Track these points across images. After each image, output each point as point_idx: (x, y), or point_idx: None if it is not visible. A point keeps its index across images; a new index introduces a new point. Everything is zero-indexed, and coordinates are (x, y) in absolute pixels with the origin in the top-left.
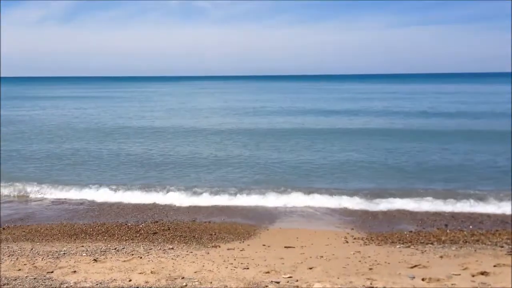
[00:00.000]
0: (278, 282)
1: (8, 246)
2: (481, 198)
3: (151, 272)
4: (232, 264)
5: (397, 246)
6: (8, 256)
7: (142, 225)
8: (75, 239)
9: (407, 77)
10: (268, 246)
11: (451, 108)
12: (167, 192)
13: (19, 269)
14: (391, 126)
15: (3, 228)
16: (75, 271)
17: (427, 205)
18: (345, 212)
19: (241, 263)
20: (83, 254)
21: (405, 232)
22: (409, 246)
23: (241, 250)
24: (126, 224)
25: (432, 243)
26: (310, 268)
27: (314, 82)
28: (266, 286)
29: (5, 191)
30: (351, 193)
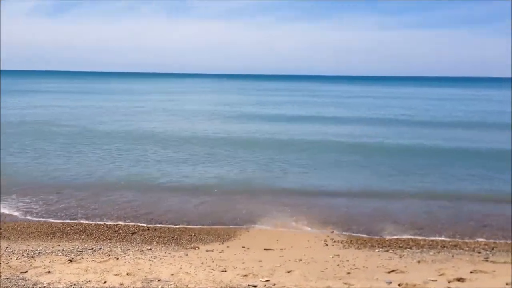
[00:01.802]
0: (255, 286)
1: None
2: (460, 200)
3: (127, 274)
4: (210, 266)
5: (376, 250)
6: None
7: (121, 225)
8: (51, 238)
9: (396, 80)
10: (248, 248)
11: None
12: (148, 190)
13: None
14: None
15: None
16: (49, 272)
17: (408, 208)
18: (326, 214)
19: (219, 266)
20: (59, 254)
21: (385, 236)
22: (387, 251)
23: (220, 252)
24: (104, 224)
25: (410, 248)
26: (288, 272)
27: (302, 83)
28: None
29: None
30: (333, 195)
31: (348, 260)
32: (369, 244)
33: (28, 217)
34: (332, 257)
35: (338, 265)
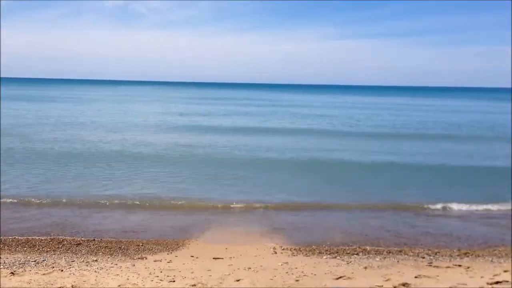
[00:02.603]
0: None
1: None
2: (400, 209)
3: (72, 286)
4: (158, 277)
5: (324, 257)
6: None
7: (65, 236)
8: None
9: (344, 88)
10: (197, 258)
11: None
12: (90, 205)
13: None
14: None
15: None
16: None
17: (357, 216)
18: (275, 222)
19: (168, 276)
20: (0, 267)
21: (333, 243)
22: (335, 257)
23: (168, 262)
24: (48, 234)
25: (357, 254)
26: (238, 280)
27: (252, 90)
28: None
29: None
30: (282, 204)
31: (296, 268)
32: (317, 251)
33: None
34: (281, 265)
35: (286, 272)
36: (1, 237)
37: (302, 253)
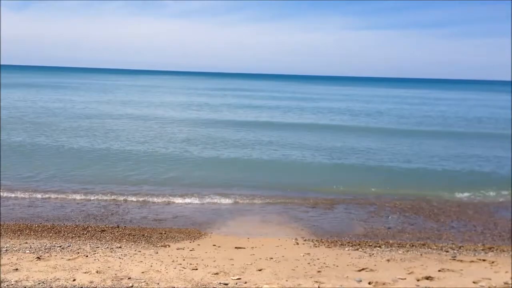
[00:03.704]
0: (226, 284)
1: None
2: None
3: (97, 272)
4: (181, 264)
5: (346, 249)
6: None
7: (90, 222)
8: (19, 235)
9: (359, 80)
10: (219, 247)
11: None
12: (118, 188)
13: None
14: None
15: None
16: (17, 269)
17: (379, 209)
18: (297, 212)
19: (190, 264)
20: (27, 251)
21: (355, 235)
22: (357, 249)
23: (190, 250)
24: (73, 221)
25: (380, 246)
26: (259, 270)
27: (269, 81)
28: (214, 287)
29: None
30: (304, 197)
31: (318, 259)
32: (339, 243)
33: None
34: (303, 256)
35: (308, 263)
36: (29, 223)
37: (324, 244)
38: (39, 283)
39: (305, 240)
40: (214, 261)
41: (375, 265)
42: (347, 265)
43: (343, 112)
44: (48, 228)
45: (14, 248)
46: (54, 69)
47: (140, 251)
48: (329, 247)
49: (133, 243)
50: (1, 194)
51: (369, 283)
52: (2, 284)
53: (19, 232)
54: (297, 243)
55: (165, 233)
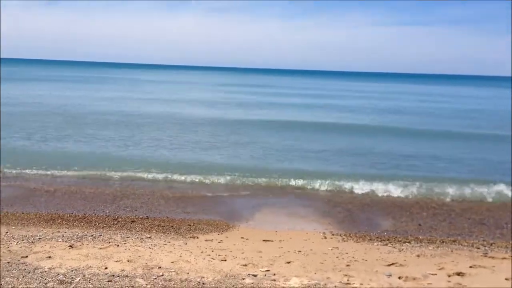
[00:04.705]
0: (255, 275)
1: None
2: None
3: (128, 261)
4: (209, 255)
5: (375, 244)
6: None
7: (121, 213)
8: (51, 224)
9: (388, 76)
10: (246, 239)
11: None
12: (148, 178)
13: None
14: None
15: None
16: (50, 257)
17: (409, 205)
18: (324, 206)
19: (219, 255)
20: (59, 240)
21: (384, 230)
22: (386, 244)
23: (219, 242)
24: (104, 212)
25: (409, 242)
26: (288, 262)
27: (298, 77)
28: (243, 278)
29: None
30: (332, 190)
31: (347, 253)
32: (368, 238)
33: (27, 203)
34: (331, 249)
35: (337, 257)
36: (60, 213)
37: (352, 239)
38: (72, 271)
39: (333, 235)
40: (243, 253)
41: (404, 260)
42: (376, 259)
43: (392, 111)
44: (79, 218)
45: (47, 237)
46: (84, 64)
47: (169, 242)
48: (358, 242)
49: (162, 234)
50: (34, 184)
51: (399, 278)
52: (36, 271)
53: (51, 221)
54: (325, 237)
55: (193, 225)
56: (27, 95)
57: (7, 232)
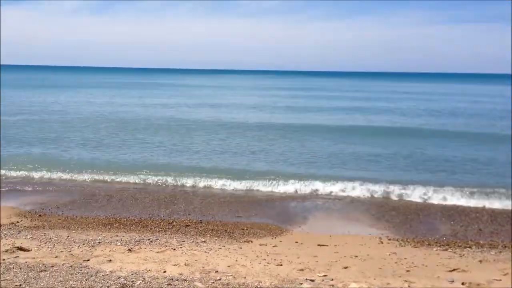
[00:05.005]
0: (313, 280)
1: (45, 233)
2: None
3: (185, 264)
4: (265, 260)
5: (434, 249)
6: (45, 243)
7: (175, 217)
8: (109, 229)
9: (437, 76)
10: (301, 243)
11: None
12: (200, 182)
13: (56, 256)
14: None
15: (39, 215)
16: (110, 260)
17: (464, 202)
18: (379, 210)
19: (274, 259)
20: (118, 244)
21: (442, 235)
22: (446, 249)
23: (273, 246)
24: (159, 216)
25: (470, 247)
26: (345, 268)
27: (343, 78)
28: (301, 283)
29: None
30: (386, 189)
31: (406, 258)
32: (426, 243)
33: (86, 208)
34: (389, 255)
35: (396, 262)
36: (118, 217)
37: (410, 244)
38: (132, 274)
39: (389, 239)
40: (298, 257)
41: (467, 265)
42: (437, 265)
43: (445, 113)
44: (136, 222)
45: (106, 240)
46: (134, 70)
47: (224, 246)
48: (416, 247)
49: (216, 238)
50: (91, 189)
51: (462, 284)
52: (98, 274)
53: (109, 226)
54: (382, 242)
55: (246, 229)
56: (78, 102)
57: (68, 236)
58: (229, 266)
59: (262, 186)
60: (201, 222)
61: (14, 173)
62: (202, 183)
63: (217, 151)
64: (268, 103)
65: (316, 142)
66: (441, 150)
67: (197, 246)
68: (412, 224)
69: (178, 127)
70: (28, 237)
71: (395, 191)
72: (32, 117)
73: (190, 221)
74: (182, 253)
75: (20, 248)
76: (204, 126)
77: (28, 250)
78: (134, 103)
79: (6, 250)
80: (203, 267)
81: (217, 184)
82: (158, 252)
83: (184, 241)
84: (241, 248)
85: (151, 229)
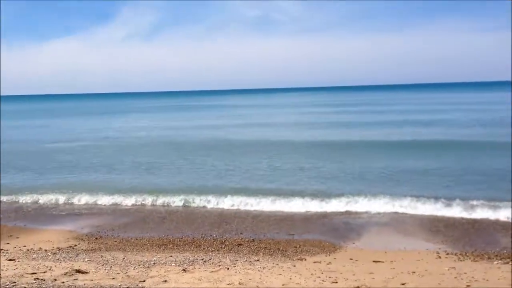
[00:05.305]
0: None
1: (102, 255)
2: None
3: (239, 284)
4: (319, 277)
5: (495, 262)
6: (102, 265)
7: (227, 236)
8: (163, 249)
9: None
10: (356, 260)
11: None
12: (250, 202)
13: (113, 278)
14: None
15: (96, 238)
16: (165, 281)
17: None
18: (434, 225)
19: (329, 277)
20: (172, 264)
21: (503, 247)
22: (508, 263)
23: (327, 264)
24: (211, 236)
25: None
26: (403, 284)
27: (390, 92)
28: None
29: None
30: (439, 204)
31: (465, 273)
32: (486, 257)
33: (140, 229)
34: (448, 270)
35: (455, 277)
36: (171, 237)
37: (470, 258)
38: None
39: (447, 254)
40: (354, 274)
41: None
42: (498, 279)
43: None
44: (189, 242)
45: (161, 261)
46: (181, 94)
47: (277, 264)
48: (476, 261)
49: (269, 256)
50: (144, 211)
51: None
52: None
53: (163, 246)
54: (439, 257)
55: (299, 247)
56: (134, 127)
57: (124, 258)
58: (283, 285)
59: (313, 204)
60: (253, 241)
61: (71, 198)
62: (251, 201)
63: (266, 169)
64: (314, 119)
65: (365, 158)
66: (498, 162)
67: (250, 265)
68: (470, 237)
69: (227, 148)
70: (86, 259)
71: (451, 205)
72: (86, 143)
73: (243, 240)
74: (235, 272)
75: (79, 271)
76: (252, 146)
77: (86, 273)
78: (184, 126)
79: (65, 273)
80: (257, 286)
81: (267, 202)
82: (212, 271)
83: (237, 260)
84: (294, 266)
85: (204, 248)
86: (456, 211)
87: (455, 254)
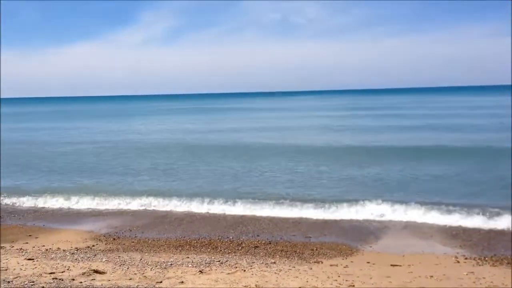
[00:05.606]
0: None
1: (119, 256)
2: None
3: (256, 286)
4: (336, 280)
5: None
6: (120, 266)
7: (244, 238)
8: (180, 251)
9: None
10: (373, 264)
11: None
12: (266, 205)
13: (130, 279)
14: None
15: (113, 239)
16: (182, 282)
17: None
18: (453, 229)
19: (346, 280)
20: (189, 265)
21: None
22: None
23: (344, 267)
24: (228, 237)
25: None
26: None
27: (410, 95)
28: None
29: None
30: (455, 208)
31: (484, 278)
32: (506, 262)
33: (158, 230)
34: (467, 274)
35: (474, 282)
36: (188, 239)
37: (489, 263)
38: None
39: (466, 258)
40: (371, 278)
41: None
42: None
43: None
44: (205, 244)
45: (177, 262)
46: (201, 96)
47: (294, 267)
48: (495, 266)
49: (286, 259)
50: (161, 212)
51: None
52: None
53: (180, 248)
54: (458, 261)
55: (316, 250)
56: (149, 129)
57: (141, 259)
58: (300, 287)
59: (330, 208)
60: (270, 243)
61: (89, 199)
62: (267, 205)
63: (283, 173)
64: (333, 123)
65: (383, 163)
66: None
67: (267, 267)
68: (489, 242)
69: (245, 150)
70: (103, 260)
71: (470, 211)
72: (107, 145)
73: (259, 242)
74: (252, 274)
75: (96, 271)
76: (270, 149)
77: (104, 273)
78: (202, 129)
79: (83, 273)
80: None
81: (284, 205)
82: (228, 273)
83: (253, 262)
84: (311, 268)
85: (220, 250)
86: (476, 220)
87: (474, 259)
